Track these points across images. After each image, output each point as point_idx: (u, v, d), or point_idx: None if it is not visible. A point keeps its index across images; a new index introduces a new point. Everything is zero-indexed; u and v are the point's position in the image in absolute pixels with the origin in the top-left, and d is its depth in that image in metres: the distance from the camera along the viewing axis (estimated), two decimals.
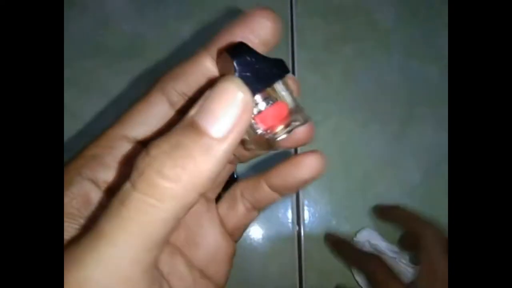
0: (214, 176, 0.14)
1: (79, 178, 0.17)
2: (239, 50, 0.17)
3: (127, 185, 0.14)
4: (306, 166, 0.19)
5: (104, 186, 0.17)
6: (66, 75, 0.38)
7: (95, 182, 0.17)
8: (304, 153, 0.19)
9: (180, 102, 0.18)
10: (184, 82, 0.18)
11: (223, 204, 0.21)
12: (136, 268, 0.14)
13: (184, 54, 0.45)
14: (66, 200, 0.16)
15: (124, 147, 0.17)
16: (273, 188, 0.20)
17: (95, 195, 0.17)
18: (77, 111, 0.39)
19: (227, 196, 0.21)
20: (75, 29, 0.42)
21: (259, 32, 0.17)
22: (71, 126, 0.39)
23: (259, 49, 0.17)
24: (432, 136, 0.43)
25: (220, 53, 0.18)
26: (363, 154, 0.43)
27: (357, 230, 0.41)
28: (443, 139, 0.43)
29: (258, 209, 0.21)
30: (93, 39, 0.42)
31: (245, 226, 0.22)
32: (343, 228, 0.41)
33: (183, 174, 0.13)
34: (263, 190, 0.20)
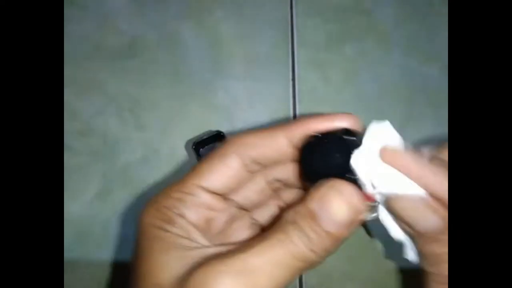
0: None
1: (175, 216, 0.21)
2: (353, 135, 0.22)
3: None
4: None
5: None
6: (66, 75, 0.38)
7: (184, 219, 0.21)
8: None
9: (251, 166, 0.22)
10: (258, 151, 0.22)
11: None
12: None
13: (184, 55, 0.45)
14: (177, 231, 0.20)
15: (201, 195, 0.22)
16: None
17: (193, 230, 0.21)
18: (77, 111, 0.39)
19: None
20: (75, 29, 0.42)
21: (338, 125, 0.22)
22: (71, 126, 0.39)
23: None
24: (432, 135, 0.43)
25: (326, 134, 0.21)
26: None
27: None
28: (443, 138, 0.43)
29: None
30: (93, 39, 0.42)
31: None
32: None
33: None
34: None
